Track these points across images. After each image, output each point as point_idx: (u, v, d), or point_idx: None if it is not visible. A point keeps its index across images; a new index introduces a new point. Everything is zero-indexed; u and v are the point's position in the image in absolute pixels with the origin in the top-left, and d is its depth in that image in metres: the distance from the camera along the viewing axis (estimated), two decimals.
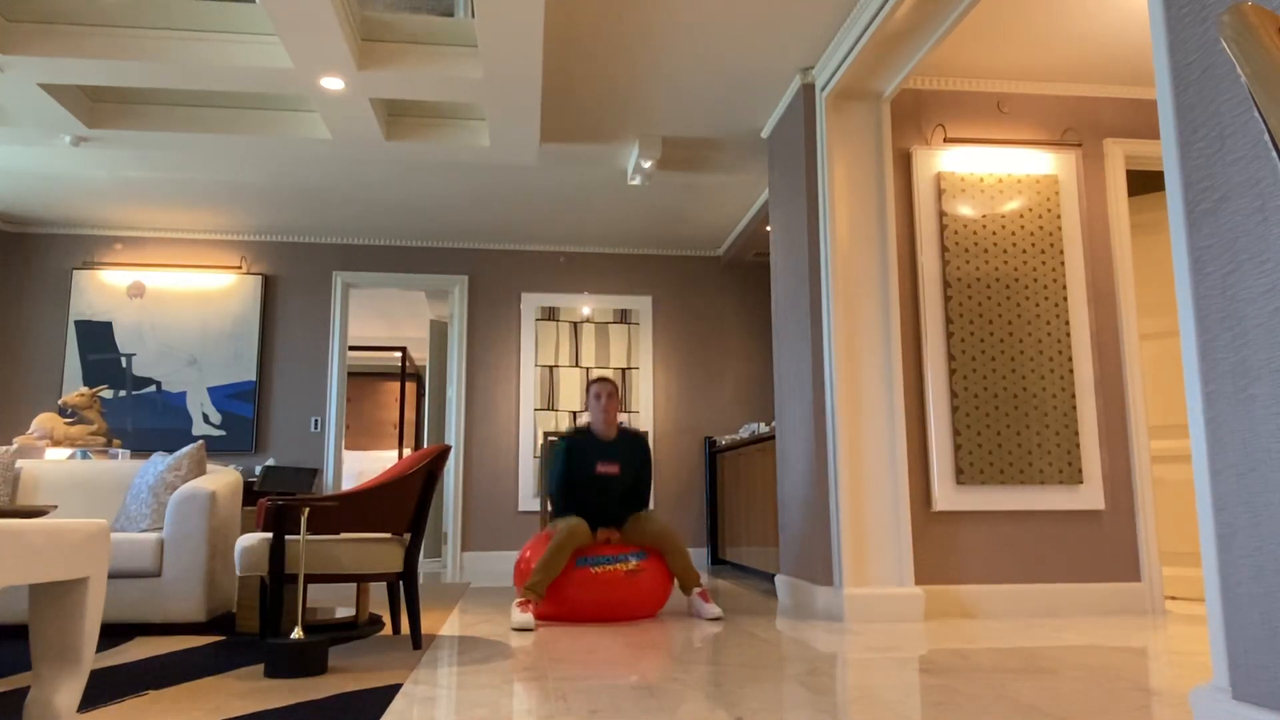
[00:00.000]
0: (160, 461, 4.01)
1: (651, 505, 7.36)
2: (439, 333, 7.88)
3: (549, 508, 5.03)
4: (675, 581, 4.24)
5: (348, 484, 10.70)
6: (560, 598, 3.99)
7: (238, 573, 3.14)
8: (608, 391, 4.39)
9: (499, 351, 7.36)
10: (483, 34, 3.88)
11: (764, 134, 5.19)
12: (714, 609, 4.01)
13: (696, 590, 4.13)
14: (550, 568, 3.90)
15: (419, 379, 12.18)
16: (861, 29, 3.86)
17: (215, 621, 3.91)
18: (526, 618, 3.72)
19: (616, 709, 2.22)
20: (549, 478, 4.38)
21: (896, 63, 4.09)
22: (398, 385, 12.44)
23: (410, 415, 11.82)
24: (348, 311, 7.27)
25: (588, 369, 7.40)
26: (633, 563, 4.02)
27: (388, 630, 3.70)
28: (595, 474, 4.28)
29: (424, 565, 7.36)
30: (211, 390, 6.89)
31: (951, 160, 4.48)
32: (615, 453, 4.34)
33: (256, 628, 3.54)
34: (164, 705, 2.30)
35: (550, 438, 5.42)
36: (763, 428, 5.91)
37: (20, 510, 2.22)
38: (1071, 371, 4.33)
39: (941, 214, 4.42)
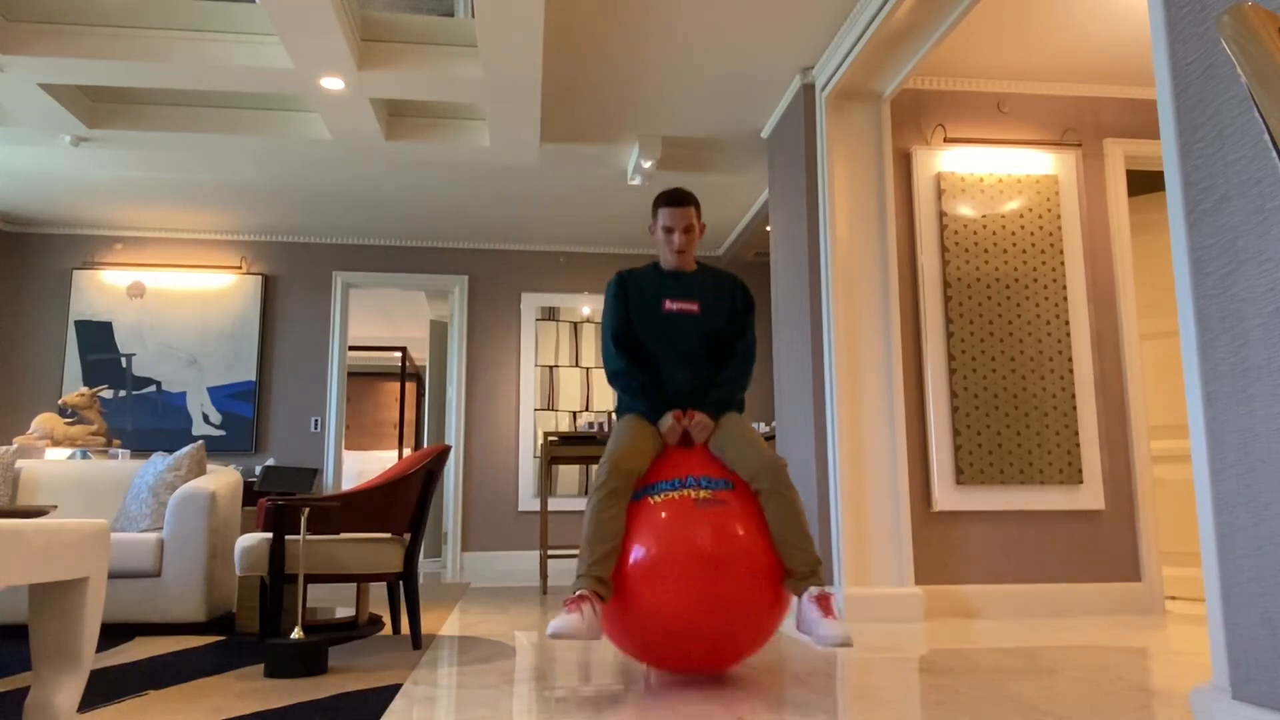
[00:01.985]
0: (160, 461, 4.01)
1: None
2: (439, 333, 7.88)
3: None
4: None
5: (348, 484, 10.70)
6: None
7: (238, 573, 3.14)
8: (684, 224, 2.85)
9: (499, 351, 7.36)
10: (483, 34, 3.88)
11: (764, 134, 5.19)
12: (836, 629, 2.35)
13: (812, 591, 2.45)
14: (600, 533, 2.46)
15: (419, 379, 12.17)
16: (861, 29, 3.86)
17: (215, 621, 3.91)
18: (570, 621, 2.31)
19: (616, 709, 2.22)
20: (601, 340, 2.86)
21: (896, 63, 4.09)
22: (398, 385, 12.44)
23: (410, 415, 11.82)
24: (348, 311, 7.28)
25: (588, 369, 7.40)
26: (705, 491, 2.51)
27: (388, 630, 3.69)
28: (664, 314, 2.84)
29: (424, 565, 7.36)
30: (211, 390, 6.89)
31: (951, 160, 4.48)
32: (693, 287, 2.89)
33: (256, 628, 3.54)
34: (164, 705, 2.30)
35: (551, 438, 5.38)
36: (763, 428, 5.91)
37: (20, 510, 2.23)
38: (1071, 371, 4.33)
39: (941, 214, 4.42)
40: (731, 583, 2.42)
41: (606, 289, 2.92)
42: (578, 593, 2.38)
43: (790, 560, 2.47)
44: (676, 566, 2.41)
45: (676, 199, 2.85)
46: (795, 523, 2.48)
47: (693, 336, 2.82)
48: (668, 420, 2.69)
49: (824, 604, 2.41)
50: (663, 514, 2.49)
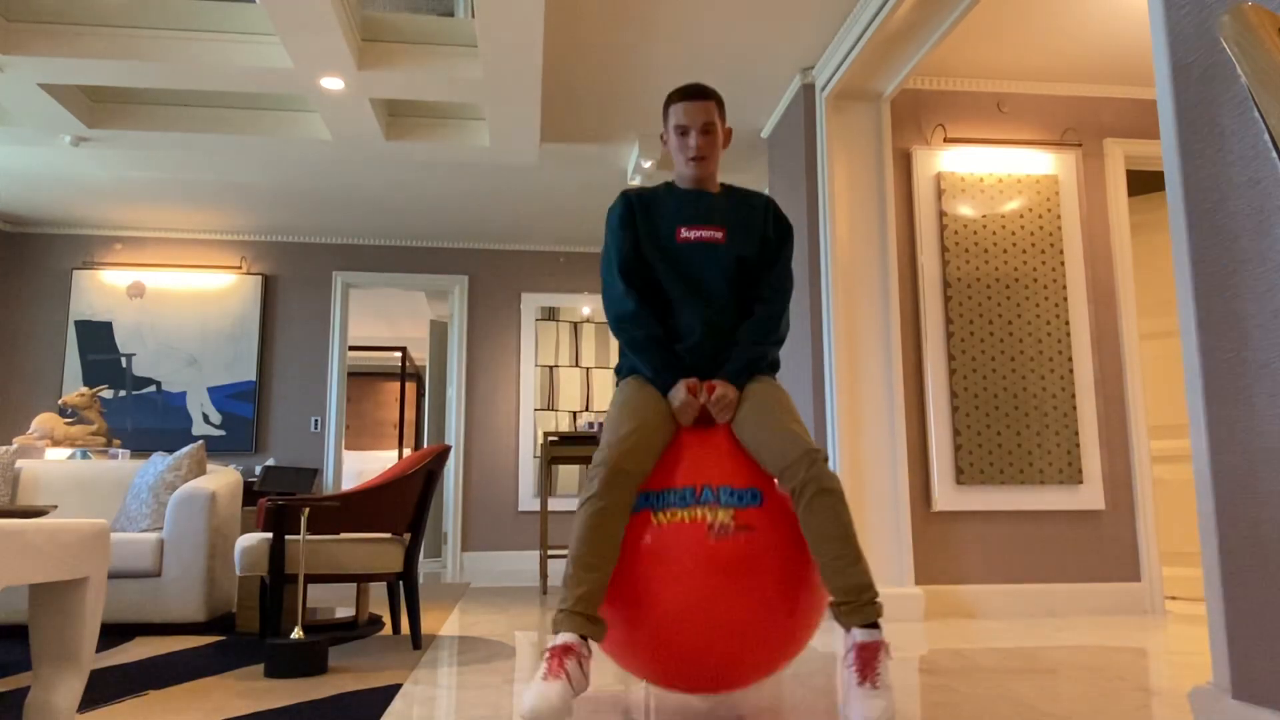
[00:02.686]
0: (160, 461, 4.01)
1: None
2: (439, 333, 7.88)
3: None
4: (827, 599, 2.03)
5: (348, 484, 10.70)
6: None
7: (238, 573, 3.14)
8: (701, 123, 2.25)
9: (499, 351, 7.36)
10: (483, 34, 3.88)
11: (764, 134, 5.19)
12: (870, 707, 1.77)
13: (856, 635, 1.89)
14: (593, 555, 1.92)
15: (419, 379, 12.17)
16: (861, 29, 3.86)
17: (215, 621, 3.91)
18: (549, 699, 1.76)
19: (617, 709, 2.22)
20: (603, 276, 2.33)
21: (896, 63, 4.09)
22: (398, 385, 12.44)
23: (410, 415, 11.82)
24: (348, 311, 7.28)
25: (587, 369, 7.40)
26: (724, 511, 1.95)
27: (388, 630, 3.69)
28: (678, 244, 2.24)
29: (424, 565, 7.36)
30: (211, 390, 6.89)
31: (951, 160, 4.48)
32: (716, 211, 2.29)
33: (256, 628, 3.54)
34: (164, 705, 2.30)
35: (551, 438, 5.37)
36: None
37: (20, 510, 2.23)
38: (1071, 371, 4.33)
39: (941, 214, 4.42)
40: (752, 645, 1.94)
41: (608, 214, 2.32)
42: (561, 640, 1.84)
43: (831, 581, 1.91)
44: (680, 629, 1.91)
45: (692, 92, 2.25)
46: (838, 533, 1.92)
47: (715, 273, 2.22)
48: (680, 393, 2.10)
49: (865, 660, 1.82)
50: (666, 547, 1.94)
